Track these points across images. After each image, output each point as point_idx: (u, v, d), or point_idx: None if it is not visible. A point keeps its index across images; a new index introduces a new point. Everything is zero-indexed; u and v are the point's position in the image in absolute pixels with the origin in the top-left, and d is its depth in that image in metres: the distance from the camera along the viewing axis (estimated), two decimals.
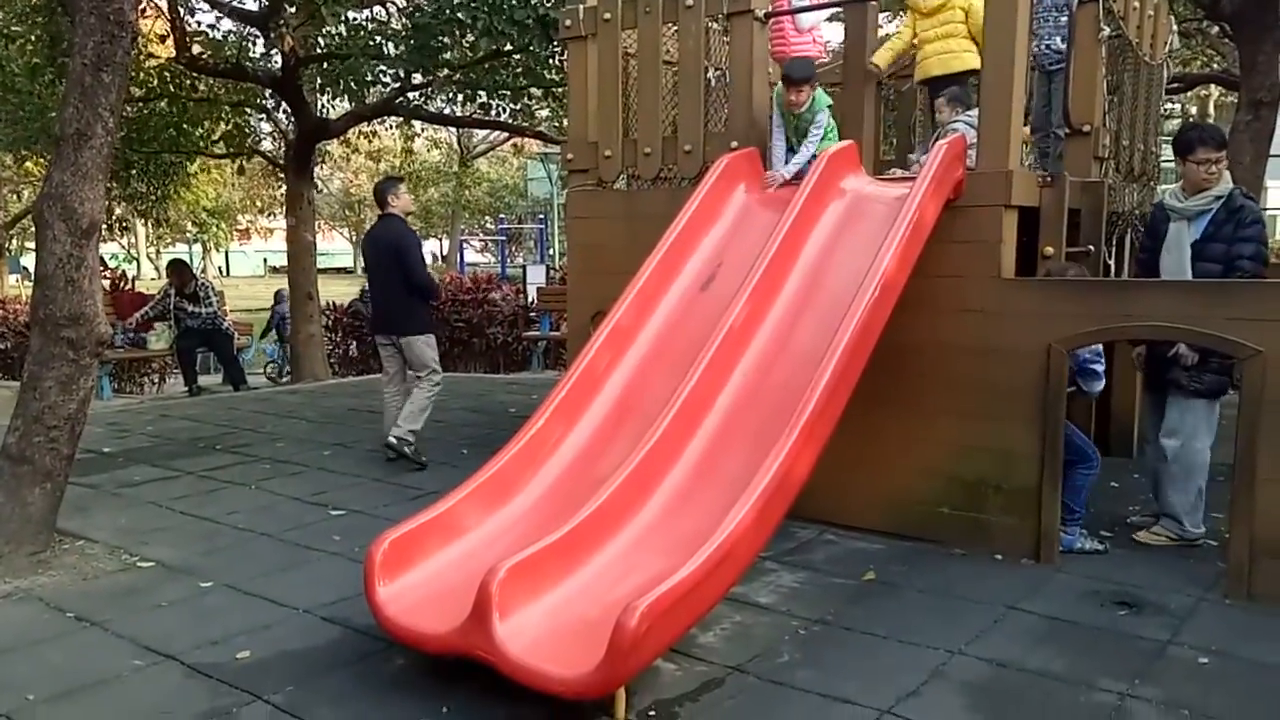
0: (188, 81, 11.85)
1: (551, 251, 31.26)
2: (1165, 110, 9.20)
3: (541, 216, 34.47)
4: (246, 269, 55.11)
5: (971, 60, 5.38)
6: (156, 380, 13.25)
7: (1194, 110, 19.08)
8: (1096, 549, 4.58)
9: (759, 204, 5.10)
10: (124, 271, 16.35)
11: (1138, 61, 5.64)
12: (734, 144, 5.35)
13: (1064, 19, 5.18)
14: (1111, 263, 5.51)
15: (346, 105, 12.03)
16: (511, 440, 4.02)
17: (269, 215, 36.35)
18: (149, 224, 22.54)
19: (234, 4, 10.48)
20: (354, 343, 14.48)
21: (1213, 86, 15.80)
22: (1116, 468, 5.92)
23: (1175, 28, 6.68)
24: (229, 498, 5.70)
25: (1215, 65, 12.57)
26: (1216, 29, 10.80)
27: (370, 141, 16.69)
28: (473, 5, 8.72)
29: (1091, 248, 5.14)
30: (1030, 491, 4.51)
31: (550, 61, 10.01)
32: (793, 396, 3.71)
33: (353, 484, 6.00)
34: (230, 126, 13.19)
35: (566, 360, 10.84)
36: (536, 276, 16.51)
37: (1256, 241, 4.45)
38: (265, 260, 55.70)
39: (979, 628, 3.74)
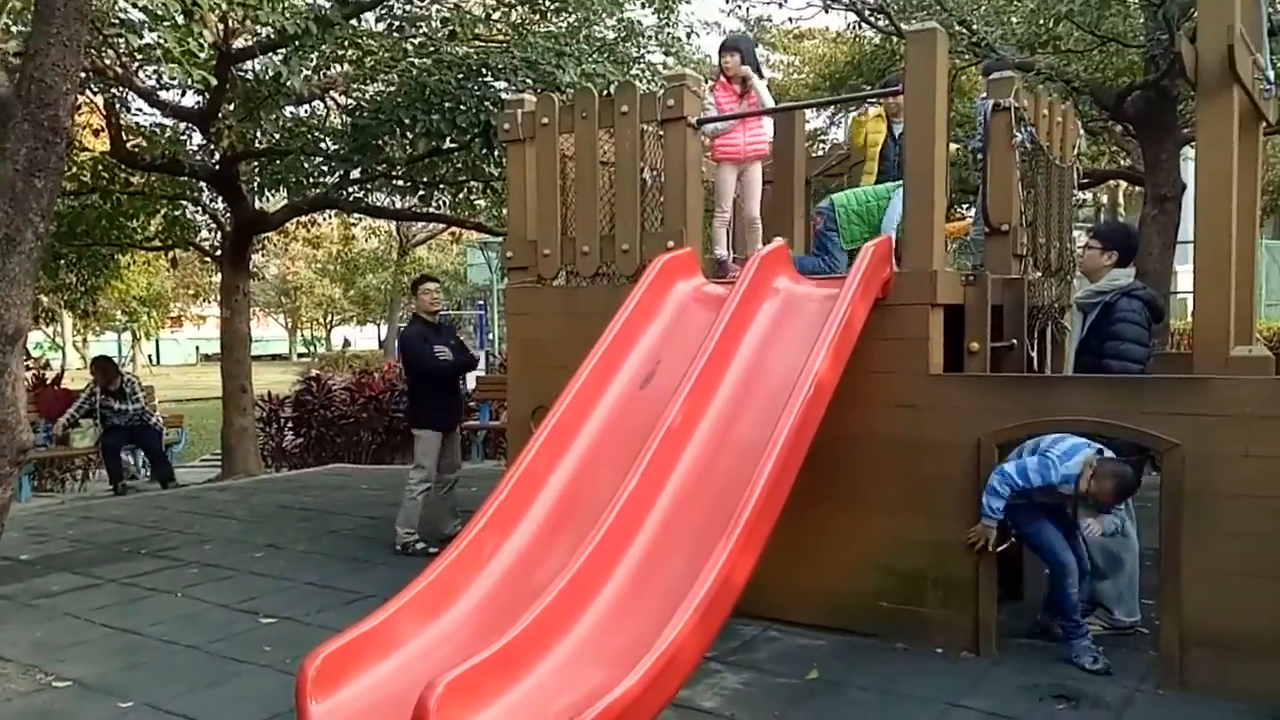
0: (122, 175, 11.78)
1: (491, 337, 31.21)
2: (1079, 200, 9.60)
3: (481, 302, 34.46)
4: (178, 357, 54.04)
5: None
6: (79, 478, 12.83)
7: (1105, 199, 19.95)
8: (1099, 669, 4.28)
9: (696, 302, 5.18)
10: (48, 361, 15.96)
11: (1049, 163, 5.91)
12: (670, 244, 5.46)
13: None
14: (1034, 355, 5.68)
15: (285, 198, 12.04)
16: (450, 546, 3.98)
17: (203, 303, 35.81)
18: (76, 314, 22.12)
19: (173, 103, 10.47)
20: (289, 434, 14.26)
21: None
22: None
23: (1082, 132, 7.04)
24: (153, 607, 5.51)
25: (1121, 161, 13.24)
26: (1120, 128, 11.39)
27: (309, 230, 16.66)
28: (414, 108, 8.86)
29: (1015, 342, 5.30)
30: (967, 584, 4.57)
31: (490, 156, 10.17)
32: (733, 495, 3.74)
33: (285, 588, 5.85)
34: (165, 219, 13.10)
35: (506, 453, 10.77)
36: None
37: (1120, 339, 4.62)
38: (198, 348, 54.74)
39: None
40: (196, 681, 4.33)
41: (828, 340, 4.30)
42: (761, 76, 6.03)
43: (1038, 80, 8.51)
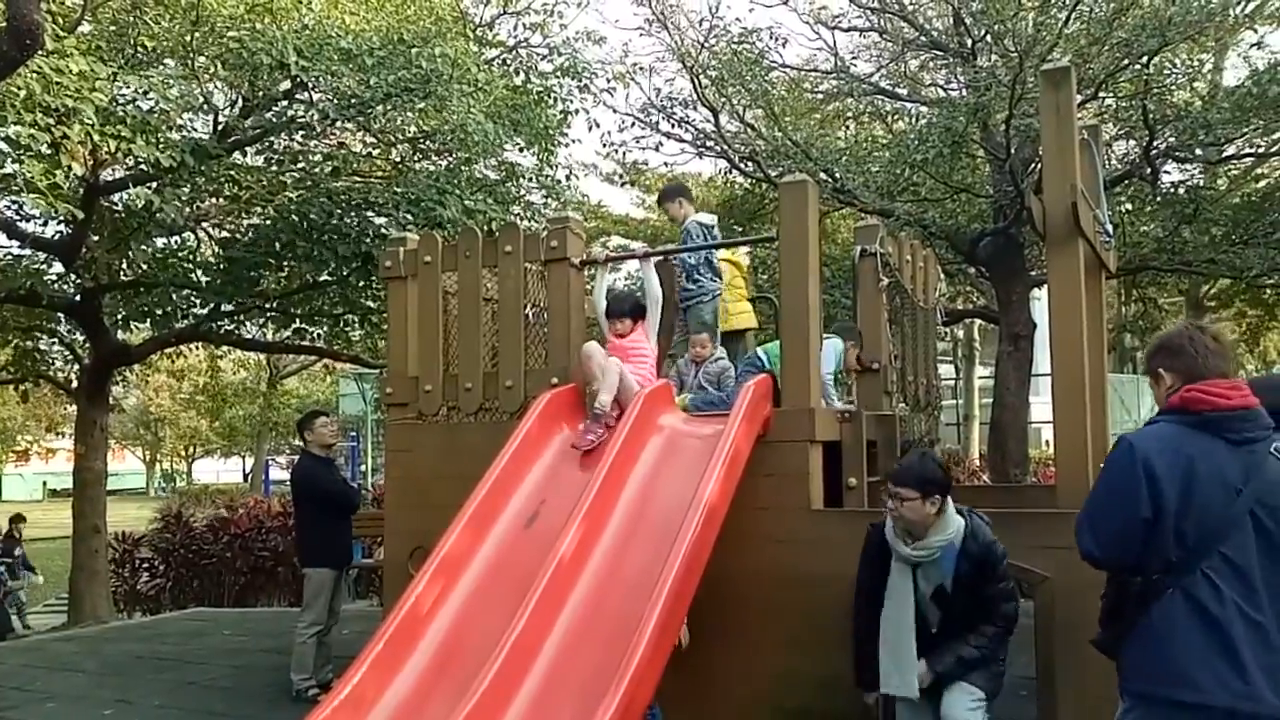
0: None
1: (364, 468, 30.37)
2: (941, 335, 10.13)
3: (354, 433, 33.66)
4: (22, 493, 50.45)
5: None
6: None
7: (961, 334, 21.12)
8: None
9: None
10: None
11: (914, 305, 6.27)
12: (554, 380, 5.50)
13: None
14: None
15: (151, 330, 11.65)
16: (326, 698, 3.79)
17: (55, 436, 33.84)
18: None
19: (34, 234, 10.12)
20: (145, 576, 13.42)
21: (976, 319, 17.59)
22: None
23: (942, 275, 7.51)
24: None
25: (976, 301, 14.14)
26: (975, 271, 12.19)
27: (173, 361, 16.08)
28: (293, 238, 8.81)
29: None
30: (853, 718, 4.57)
31: (368, 289, 10.12)
32: (624, 632, 3.68)
33: None
34: (16, 350, 12.45)
35: (380, 592, 10.36)
36: None
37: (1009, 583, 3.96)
38: (45, 483, 51.31)
39: None
40: None
41: (717, 468, 4.36)
42: (644, 318, 5.53)
43: (897, 226, 9.07)
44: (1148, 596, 2.70)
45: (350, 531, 7.29)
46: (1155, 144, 9.50)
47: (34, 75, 6.98)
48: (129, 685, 6.98)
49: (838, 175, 9.97)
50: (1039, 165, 8.37)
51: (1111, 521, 2.74)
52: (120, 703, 6.46)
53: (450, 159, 10.22)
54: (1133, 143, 10.57)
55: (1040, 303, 13.20)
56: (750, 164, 11.63)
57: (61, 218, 8.45)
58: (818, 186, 5.67)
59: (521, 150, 10.85)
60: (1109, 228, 5.10)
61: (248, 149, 10.17)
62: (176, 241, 11.13)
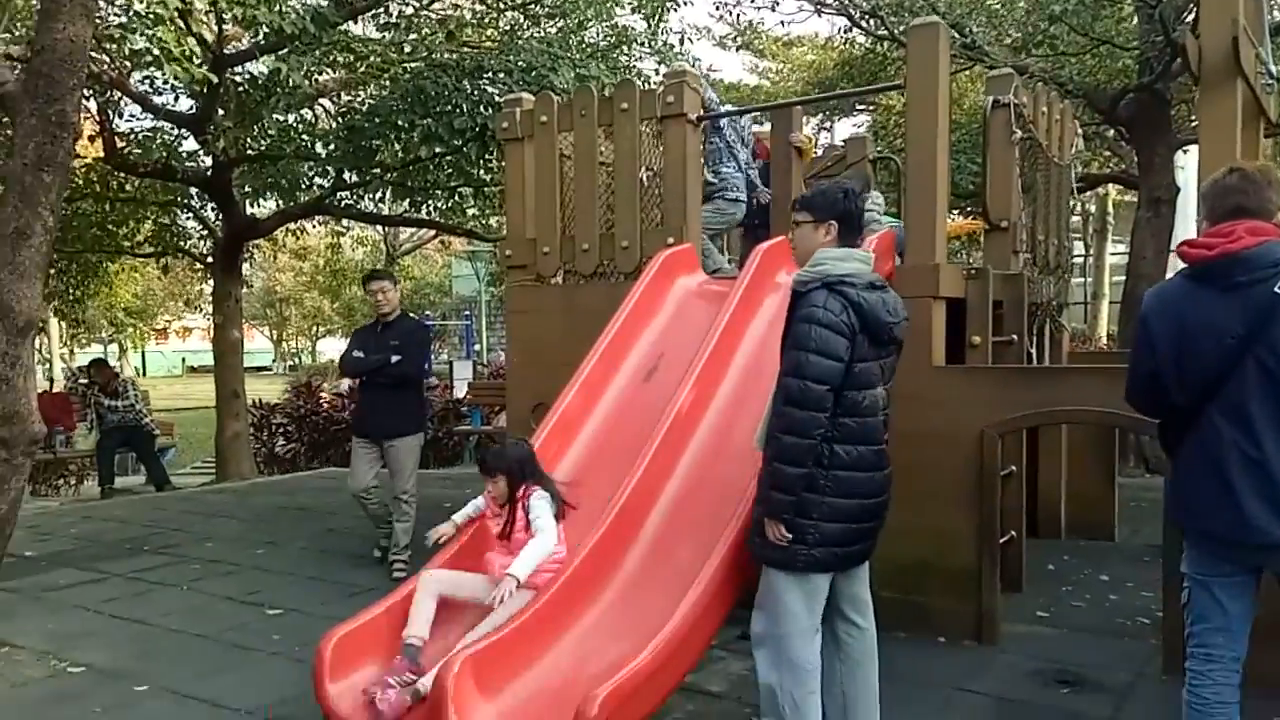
0: (114, 181, 11.77)
1: (478, 347, 31.21)
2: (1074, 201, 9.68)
3: (467, 313, 34.51)
4: (163, 369, 53.78)
5: None
6: (74, 482, 12.77)
7: (1093, 209, 20.13)
8: None
9: (697, 297, 5.22)
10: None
11: (1048, 162, 5.99)
12: (670, 240, 5.50)
13: None
14: (1034, 350, 5.75)
15: (276, 204, 12.05)
16: (458, 535, 4.01)
17: (192, 312, 35.65)
18: (64, 324, 22.02)
19: (167, 107, 10.49)
20: (280, 440, 14.26)
21: (1111, 186, 16.67)
22: (1046, 549, 6.10)
23: (1079, 131, 7.12)
24: (160, 599, 5.50)
25: (1113, 166, 13.37)
26: (1113, 132, 11.50)
27: (297, 239, 16.65)
28: (411, 111, 8.88)
29: (1015, 337, 5.36)
30: (969, 573, 4.61)
31: (482, 160, 10.20)
32: (737, 484, 3.77)
33: (288, 583, 5.84)
34: (156, 225, 13.07)
35: None
36: (463, 372, 16.52)
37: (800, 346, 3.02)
38: (184, 360, 54.49)
39: (928, 711, 3.78)
40: (207, 668, 4.33)
41: None
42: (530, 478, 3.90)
43: (1030, 84, 8.60)
44: (1171, 438, 2.94)
45: (388, 400, 6.19)
46: None
47: None
48: (275, 530, 7.50)
49: (967, 30, 9.43)
50: (1192, 15, 7.77)
51: (1132, 374, 2.99)
52: (269, 544, 6.96)
53: (561, 24, 10.08)
54: None
55: (1184, 169, 12.45)
56: (872, 20, 11.09)
57: (196, 86, 8.69)
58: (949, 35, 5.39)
59: (633, 13, 10.60)
60: (1273, 69, 4.71)
61: (363, 18, 10.21)
62: (296, 119, 11.38)
